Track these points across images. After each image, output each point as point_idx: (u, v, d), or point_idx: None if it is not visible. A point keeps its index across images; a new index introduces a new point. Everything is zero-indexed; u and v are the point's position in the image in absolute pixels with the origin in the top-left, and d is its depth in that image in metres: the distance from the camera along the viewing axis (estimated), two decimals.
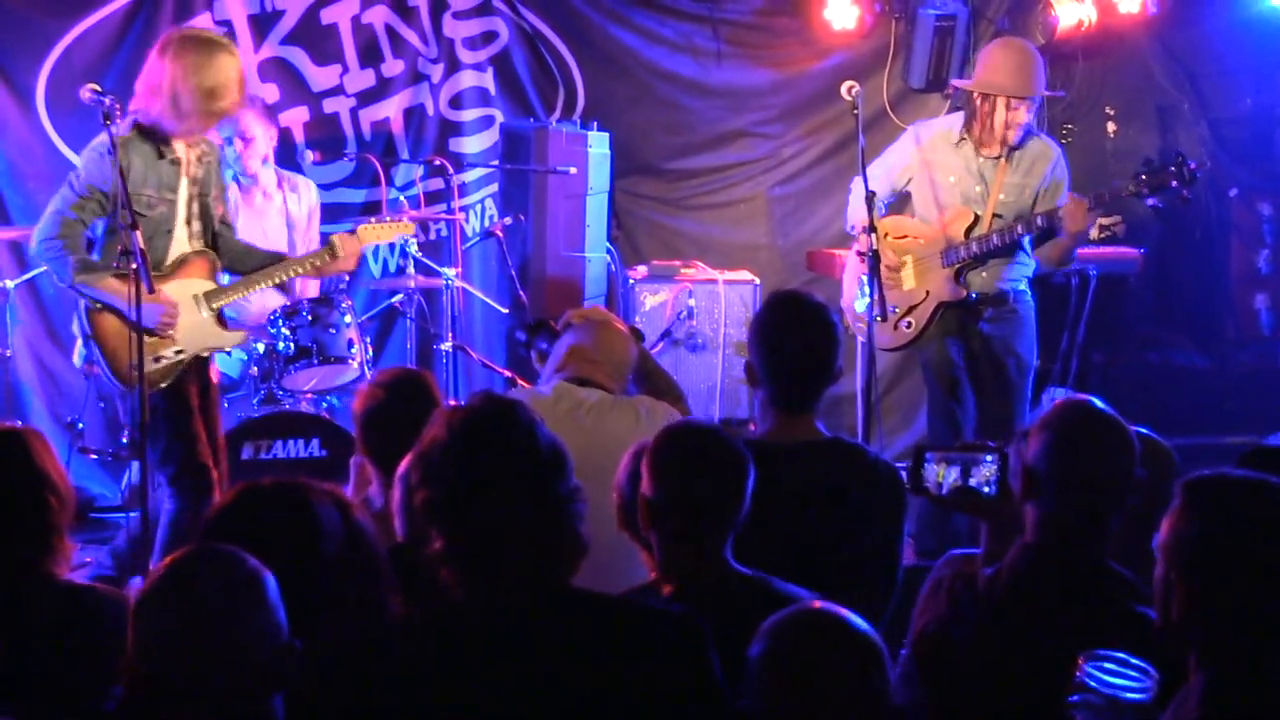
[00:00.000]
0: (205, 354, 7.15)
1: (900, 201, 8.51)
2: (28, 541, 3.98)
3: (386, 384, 5.61)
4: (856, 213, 8.08)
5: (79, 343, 7.08)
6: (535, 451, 3.36)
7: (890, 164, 8.29)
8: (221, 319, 7.19)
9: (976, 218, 7.99)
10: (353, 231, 7.66)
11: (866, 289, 7.82)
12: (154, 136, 6.92)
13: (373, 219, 8.24)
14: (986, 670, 3.89)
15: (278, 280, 7.35)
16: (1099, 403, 4.07)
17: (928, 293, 8.07)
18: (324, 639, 3.45)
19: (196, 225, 7.09)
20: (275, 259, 7.43)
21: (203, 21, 9.46)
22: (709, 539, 4.05)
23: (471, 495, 3.31)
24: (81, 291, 6.89)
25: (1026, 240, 8.07)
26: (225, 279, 7.28)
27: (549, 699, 3.28)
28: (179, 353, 6.99)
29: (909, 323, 8.11)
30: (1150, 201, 8.04)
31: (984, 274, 8.06)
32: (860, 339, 8.23)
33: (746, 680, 3.32)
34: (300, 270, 7.43)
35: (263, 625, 3.17)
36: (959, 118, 8.22)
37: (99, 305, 6.89)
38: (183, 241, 7.06)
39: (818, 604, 3.43)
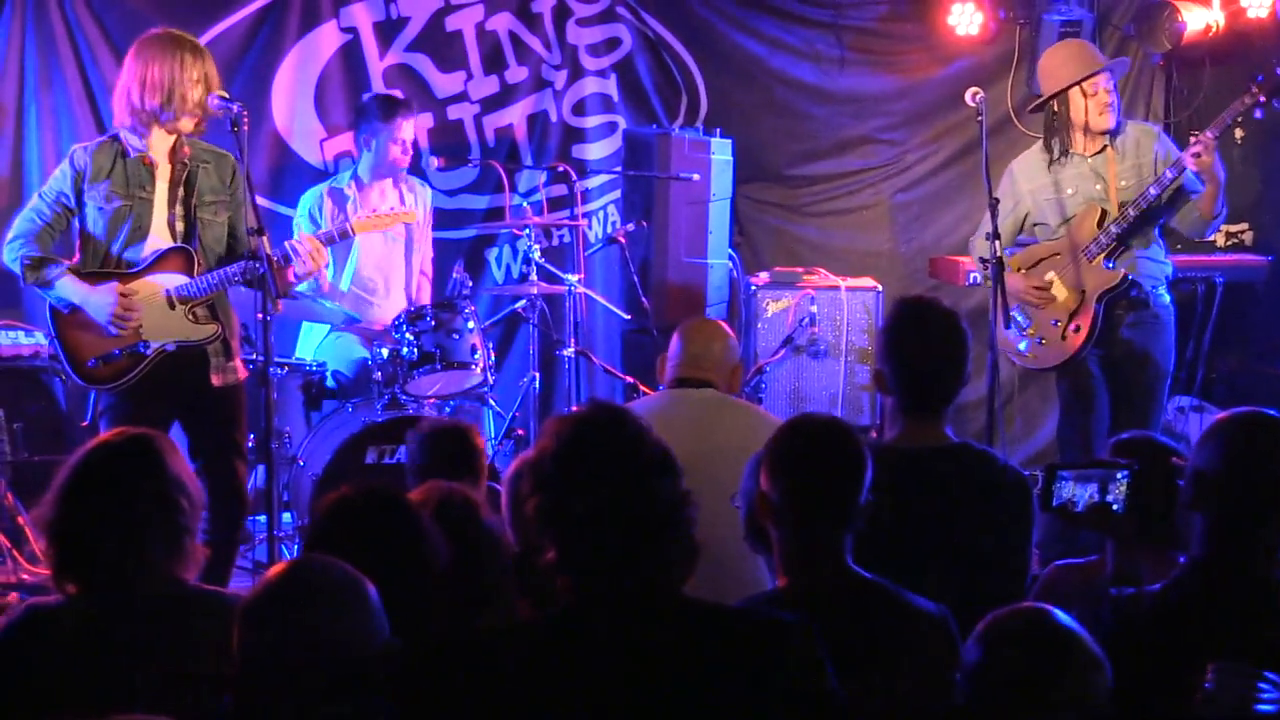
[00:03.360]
0: (169, 346, 6.97)
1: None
2: (158, 544, 4.01)
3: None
4: (977, 249, 8.06)
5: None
6: (643, 456, 3.36)
7: (1004, 210, 8.18)
8: (199, 313, 7.02)
9: (1104, 211, 7.91)
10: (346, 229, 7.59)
11: (1017, 315, 7.82)
12: (126, 139, 6.94)
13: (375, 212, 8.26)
14: (1156, 688, 3.82)
15: (234, 282, 7.03)
16: (1270, 412, 4.02)
17: (1084, 291, 7.97)
18: (429, 641, 3.49)
19: (181, 226, 7.00)
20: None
21: (328, 29, 9.57)
22: (824, 533, 4.01)
23: (581, 501, 3.32)
24: (39, 291, 6.97)
25: (1157, 231, 8.02)
26: None
27: (661, 708, 3.28)
28: (136, 348, 6.92)
29: (1076, 326, 7.99)
30: (1259, 112, 7.89)
31: (1125, 256, 7.98)
32: (1016, 361, 8.21)
33: (964, 685, 3.29)
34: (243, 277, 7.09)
35: (365, 629, 3.21)
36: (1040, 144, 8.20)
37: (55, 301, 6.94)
38: (163, 240, 6.99)
39: (1034, 606, 3.39)
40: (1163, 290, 8.09)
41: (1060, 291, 8.02)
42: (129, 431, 4.21)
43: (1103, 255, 7.89)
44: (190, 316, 6.99)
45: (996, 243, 7.50)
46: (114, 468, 4.04)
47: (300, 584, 3.26)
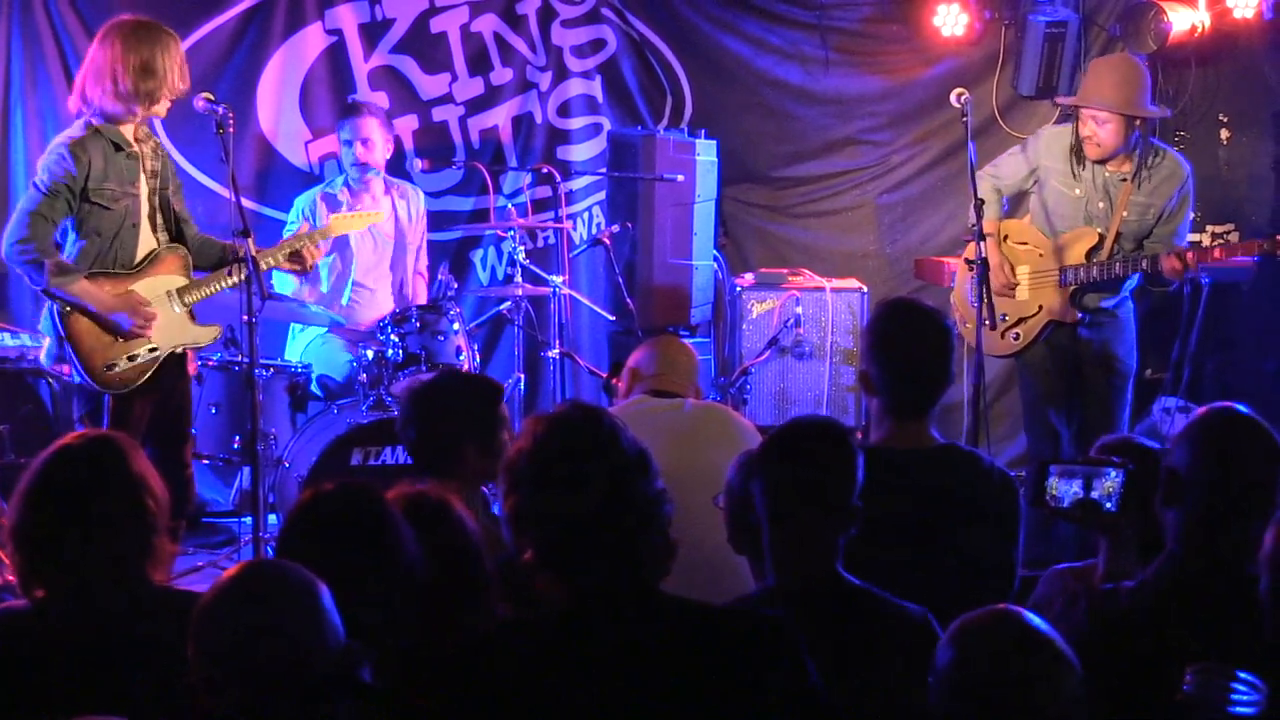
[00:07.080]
0: (179, 350, 7.05)
1: (1019, 197, 8.42)
2: (126, 545, 3.98)
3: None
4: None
5: (48, 341, 6.99)
6: (619, 454, 3.37)
7: (1010, 169, 8.21)
8: (194, 314, 7.09)
9: (1100, 238, 7.91)
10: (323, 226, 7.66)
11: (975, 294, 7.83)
12: (108, 132, 6.85)
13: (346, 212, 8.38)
14: (1131, 683, 3.82)
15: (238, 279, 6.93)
16: (1243, 408, 4.03)
17: (1040, 307, 8.01)
18: (412, 643, 3.49)
19: (159, 219, 7.03)
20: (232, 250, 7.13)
21: (314, 31, 9.56)
22: (818, 532, 4.00)
23: (558, 500, 3.33)
24: (54, 295, 6.80)
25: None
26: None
27: (647, 707, 3.29)
28: (153, 350, 6.93)
29: (1017, 334, 8.07)
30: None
31: (1094, 295, 8.01)
32: (957, 321, 8.18)
33: (935, 687, 3.29)
34: (270, 263, 7.24)
35: (318, 632, 3.20)
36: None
37: (69, 307, 6.82)
38: (150, 237, 6.99)
39: (1005, 608, 3.39)
40: (1125, 293, 8.16)
41: (1023, 294, 8.06)
42: (89, 433, 4.20)
43: (1073, 288, 7.93)
44: (190, 317, 7.06)
45: (982, 244, 7.50)
46: (76, 471, 4.01)
47: (252, 585, 3.26)
